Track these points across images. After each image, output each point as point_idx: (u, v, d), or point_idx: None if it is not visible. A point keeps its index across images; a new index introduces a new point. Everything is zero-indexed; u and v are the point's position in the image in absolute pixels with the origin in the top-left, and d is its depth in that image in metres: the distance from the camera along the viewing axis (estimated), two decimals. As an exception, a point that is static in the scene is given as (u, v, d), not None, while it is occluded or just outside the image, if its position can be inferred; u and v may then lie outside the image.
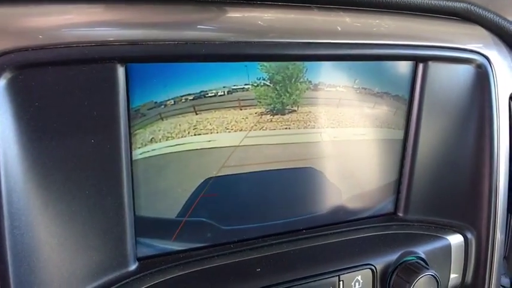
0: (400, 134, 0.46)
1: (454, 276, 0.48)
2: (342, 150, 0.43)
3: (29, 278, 0.30)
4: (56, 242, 0.32)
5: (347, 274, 0.40)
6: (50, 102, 0.30)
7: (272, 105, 0.39)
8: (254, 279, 0.37)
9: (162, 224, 0.38)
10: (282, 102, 0.39)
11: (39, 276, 0.31)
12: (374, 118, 0.44)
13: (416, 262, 0.42)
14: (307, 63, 0.39)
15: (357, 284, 0.41)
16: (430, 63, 0.43)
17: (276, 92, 0.38)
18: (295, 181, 0.42)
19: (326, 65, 0.40)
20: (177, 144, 0.36)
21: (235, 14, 0.35)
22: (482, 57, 0.44)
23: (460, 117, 0.46)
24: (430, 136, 0.46)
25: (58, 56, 0.30)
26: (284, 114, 0.39)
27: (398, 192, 0.48)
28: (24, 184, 0.30)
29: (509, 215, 0.53)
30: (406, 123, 0.46)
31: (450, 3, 0.45)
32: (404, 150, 0.47)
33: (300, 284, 0.38)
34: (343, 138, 0.43)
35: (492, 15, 0.47)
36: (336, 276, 0.40)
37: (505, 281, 0.56)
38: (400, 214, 0.48)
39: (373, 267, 0.42)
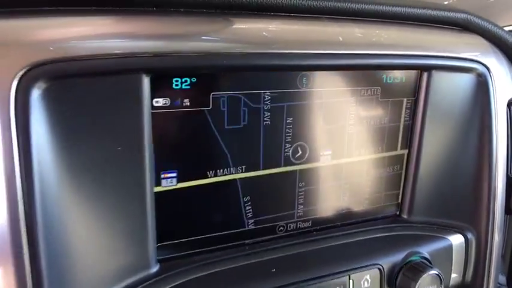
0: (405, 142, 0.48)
1: (455, 275, 0.50)
2: (352, 159, 0.45)
3: (60, 278, 0.32)
4: (83, 244, 0.33)
5: (357, 273, 0.42)
6: (80, 111, 0.32)
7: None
8: (270, 279, 0.39)
9: (183, 227, 0.39)
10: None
11: (69, 276, 0.32)
12: (380, 127, 0.46)
13: (421, 261, 0.45)
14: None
15: (365, 282, 0.43)
16: (434, 72, 0.46)
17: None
18: (307, 182, 0.44)
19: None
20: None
21: (254, 25, 0.37)
22: (482, 66, 0.47)
23: (462, 123, 0.48)
24: (433, 142, 0.48)
25: (87, 68, 0.31)
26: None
27: (403, 195, 0.50)
28: (56, 188, 0.31)
29: (506, 216, 0.56)
30: (411, 131, 0.48)
31: (451, 14, 0.47)
32: (408, 156, 0.49)
33: (314, 284, 0.40)
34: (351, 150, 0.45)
35: (491, 26, 0.49)
36: (347, 275, 0.42)
37: (502, 278, 0.58)
38: (405, 216, 0.50)
39: (380, 267, 0.44)
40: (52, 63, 0.30)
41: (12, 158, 0.29)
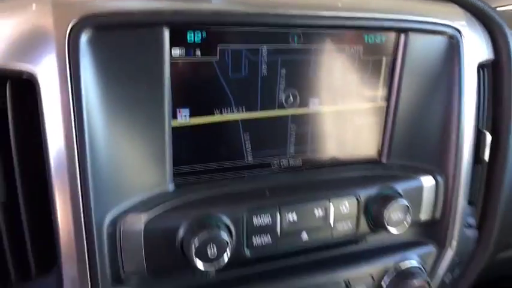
0: (384, 95, 0.56)
1: (424, 212, 0.58)
2: (337, 107, 0.54)
3: (101, 187, 0.41)
4: (119, 163, 0.43)
5: (337, 199, 0.51)
6: (116, 56, 0.41)
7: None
8: (265, 200, 0.49)
9: (193, 156, 0.48)
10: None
11: (106, 185, 0.42)
12: (362, 82, 0.54)
13: (393, 194, 0.53)
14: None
15: (344, 208, 0.52)
16: (410, 34, 0.53)
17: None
18: (298, 125, 0.52)
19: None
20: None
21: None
22: (454, 29, 0.54)
23: (435, 81, 0.56)
24: (409, 96, 0.56)
25: (123, 21, 0.40)
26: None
27: (382, 142, 0.58)
28: (99, 117, 0.41)
29: (476, 165, 0.64)
30: (389, 86, 0.56)
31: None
32: (387, 108, 0.56)
33: (301, 204, 0.49)
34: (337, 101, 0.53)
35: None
36: (327, 199, 0.51)
37: (472, 220, 0.66)
38: (384, 161, 0.58)
39: (358, 197, 0.52)
40: (95, 16, 0.39)
41: (67, 90, 0.39)
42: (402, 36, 0.53)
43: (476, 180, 0.65)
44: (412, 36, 0.53)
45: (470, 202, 0.67)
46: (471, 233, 0.66)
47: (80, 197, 0.40)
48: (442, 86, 0.56)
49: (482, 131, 0.62)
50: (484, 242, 0.69)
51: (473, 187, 0.66)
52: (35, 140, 0.41)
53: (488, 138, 0.62)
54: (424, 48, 0.54)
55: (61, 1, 0.38)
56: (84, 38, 0.38)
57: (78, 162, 0.40)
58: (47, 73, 0.38)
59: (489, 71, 0.64)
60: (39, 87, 0.39)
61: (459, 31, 0.55)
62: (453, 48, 0.55)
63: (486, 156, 0.62)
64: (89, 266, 0.42)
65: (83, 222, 0.41)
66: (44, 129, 0.40)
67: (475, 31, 0.58)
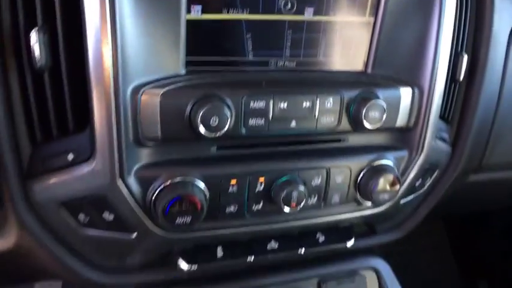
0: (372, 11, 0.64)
1: (400, 119, 0.66)
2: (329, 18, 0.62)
3: (127, 61, 0.51)
4: (140, 42, 0.52)
5: (322, 95, 0.60)
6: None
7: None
8: (261, 90, 0.58)
9: (203, 48, 0.58)
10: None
11: (133, 64, 0.52)
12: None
13: (371, 96, 0.62)
14: None
15: (328, 104, 0.61)
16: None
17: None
18: (294, 30, 0.61)
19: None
20: None
21: None
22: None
23: (416, 2, 0.63)
24: (395, 13, 0.63)
25: None
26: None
27: (368, 54, 0.66)
28: (128, 6, 0.50)
29: (452, 84, 0.72)
30: (377, 2, 0.63)
31: None
32: (375, 23, 0.64)
33: (292, 96, 0.58)
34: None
35: None
36: (315, 95, 0.60)
37: (445, 135, 0.75)
38: (369, 71, 0.66)
39: (341, 95, 0.61)
40: None
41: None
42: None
43: (453, 99, 0.74)
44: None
45: (446, 119, 0.75)
46: (444, 146, 0.75)
47: (112, 66, 0.50)
48: (424, 6, 0.63)
49: (459, 53, 0.69)
50: (456, 158, 0.78)
51: (449, 105, 0.74)
52: (76, 20, 0.50)
53: (465, 60, 0.69)
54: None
55: None
56: None
57: (111, 39, 0.50)
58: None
59: (473, 1, 0.71)
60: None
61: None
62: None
63: (461, 76, 0.70)
64: (116, 125, 0.52)
65: (112, 88, 0.51)
66: (84, 10, 0.49)
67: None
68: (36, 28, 0.49)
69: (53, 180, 0.55)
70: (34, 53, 0.49)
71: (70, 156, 0.54)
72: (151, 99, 0.53)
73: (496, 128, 0.80)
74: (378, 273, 0.79)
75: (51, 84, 0.53)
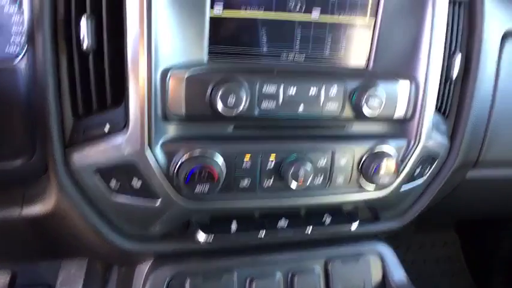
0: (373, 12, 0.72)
1: (399, 110, 0.73)
2: (334, 17, 0.70)
3: (158, 46, 0.60)
4: (170, 32, 0.61)
5: (328, 84, 0.68)
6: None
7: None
8: (274, 76, 0.66)
9: (224, 40, 0.66)
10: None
11: (162, 46, 0.61)
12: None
13: (372, 85, 0.69)
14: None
15: (333, 92, 0.68)
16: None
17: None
18: (303, 28, 0.69)
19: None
20: None
21: None
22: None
23: (415, 5, 0.71)
24: (394, 15, 0.71)
25: None
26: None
27: (369, 52, 0.74)
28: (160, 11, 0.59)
29: (449, 81, 0.79)
30: (377, 4, 0.71)
31: None
32: (375, 22, 0.72)
33: (300, 83, 0.66)
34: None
35: None
36: (321, 83, 0.67)
37: (443, 127, 0.82)
38: (370, 67, 0.74)
39: (345, 85, 0.69)
40: None
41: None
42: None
43: (449, 95, 0.81)
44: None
45: (444, 114, 0.82)
46: (442, 138, 0.81)
47: (146, 51, 0.59)
48: (418, 9, 0.71)
49: (454, 52, 0.77)
50: (454, 151, 0.84)
51: (446, 101, 0.81)
52: (119, 10, 0.60)
53: (458, 59, 0.77)
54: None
55: None
56: None
57: (147, 29, 0.59)
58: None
59: (466, 7, 0.79)
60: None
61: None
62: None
63: (455, 74, 0.77)
64: (147, 101, 0.61)
65: (145, 69, 0.60)
66: (126, 3, 0.59)
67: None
68: (85, 15, 0.58)
69: (91, 148, 0.63)
70: (82, 38, 0.59)
71: (107, 127, 0.62)
72: (178, 81, 0.62)
73: (491, 125, 0.86)
74: (381, 256, 0.83)
75: (94, 65, 0.62)
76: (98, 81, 0.62)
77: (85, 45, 0.59)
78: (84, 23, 0.58)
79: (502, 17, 0.83)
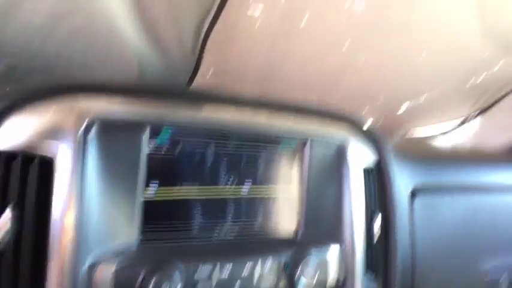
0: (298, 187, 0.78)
1: (331, 276, 0.75)
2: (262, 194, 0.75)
3: (88, 237, 0.57)
4: (103, 224, 0.60)
5: (262, 259, 0.68)
6: (108, 148, 0.61)
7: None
8: (206, 257, 0.65)
9: (158, 218, 0.66)
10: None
11: (93, 237, 0.58)
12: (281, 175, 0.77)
13: (304, 254, 0.71)
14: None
15: (267, 267, 0.68)
16: (311, 142, 0.78)
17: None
18: (235, 204, 0.72)
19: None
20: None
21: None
22: (342, 142, 0.80)
23: (332, 180, 0.79)
24: (315, 188, 0.78)
25: (118, 123, 0.62)
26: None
27: (298, 224, 0.78)
28: (94, 188, 0.59)
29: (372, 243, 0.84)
30: (300, 179, 0.78)
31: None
32: (300, 197, 0.78)
33: (233, 263, 0.66)
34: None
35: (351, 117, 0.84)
36: (255, 259, 0.68)
37: (374, 285, 0.84)
38: (299, 237, 0.77)
39: (279, 256, 0.70)
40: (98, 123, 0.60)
41: (76, 169, 0.58)
42: (306, 144, 0.78)
43: (376, 253, 0.85)
44: (313, 144, 0.78)
45: (374, 271, 0.85)
46: (374, 299, 0.83)
47: (70, 245, 0.56)
48: (335, 182, 0.79)
49: (371, 214, 0.84)
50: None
51: (375, 259, 0.86)
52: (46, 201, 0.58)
53: (377, 224, 0.84)
54: (322, 153, 0.79)
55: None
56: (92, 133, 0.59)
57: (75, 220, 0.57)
58: (63, 156, 0.58)
59: (376, 172, 0.89)
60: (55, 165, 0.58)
61: (346, 142, 0.80)
62: (341, 155, 0.80)
63: (375, 237, 0.83)
64: None
65: (68, 265, 0.56)
66: (52, 194, 0.57)
67: (357, 141, 0.84)
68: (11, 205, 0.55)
69: None
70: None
71: None
72: (105, 275, 0.58)
73: (417, 277, 0.91)
74: None
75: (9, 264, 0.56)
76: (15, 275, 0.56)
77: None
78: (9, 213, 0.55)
79: (408, 176, 0.95)
